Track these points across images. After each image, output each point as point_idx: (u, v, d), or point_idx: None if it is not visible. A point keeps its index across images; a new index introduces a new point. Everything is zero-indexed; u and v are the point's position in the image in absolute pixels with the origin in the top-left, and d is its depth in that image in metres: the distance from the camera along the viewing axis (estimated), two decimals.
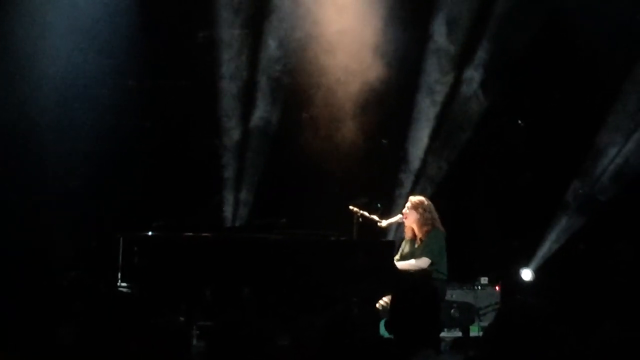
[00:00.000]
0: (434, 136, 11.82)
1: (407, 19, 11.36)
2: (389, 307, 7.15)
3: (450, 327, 9.87)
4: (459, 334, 9.85)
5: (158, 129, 11.36)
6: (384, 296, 8.47)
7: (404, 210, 9.04)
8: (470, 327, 9.65)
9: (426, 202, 8.99)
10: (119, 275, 8.44)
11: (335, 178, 11.32)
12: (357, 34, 11.25)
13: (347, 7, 11.27)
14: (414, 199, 9.08)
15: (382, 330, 7.26)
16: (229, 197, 11.48)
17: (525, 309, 3.61)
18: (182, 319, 8.34)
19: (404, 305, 4.12)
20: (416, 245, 8.93)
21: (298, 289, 8.62)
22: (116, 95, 11.16)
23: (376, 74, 11.26)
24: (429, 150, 11.82)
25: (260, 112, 11.53)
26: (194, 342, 8.37)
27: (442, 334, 9.92)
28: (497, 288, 10.90)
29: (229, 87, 11.43)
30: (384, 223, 9.10)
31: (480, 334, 9.85)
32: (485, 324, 9.88)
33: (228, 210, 11.47)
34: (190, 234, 8.67)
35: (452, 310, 9.21)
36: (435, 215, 8.96)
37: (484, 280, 10.93)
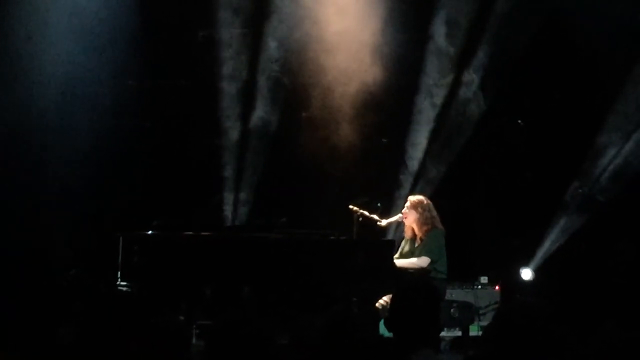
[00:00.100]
0: (434, 136, 11.83)
1: (407, 20, 11.37)
2: (388, 306, 7.16)
3: (450, 327, 9.88)
4: (459, 333, 9.86)
5: (158, 128, 11.37)
6: (384, 295, 8.47)
7: (403, 210, 9.04)
8: (470, 327, 9.65)
9: (425, 202, 8.98)
10: (119, 274, 8.44)
11: (335, 177, 11.33)
12: (357, 35, 11.26)
13: (347, 8, 11.27)
14: (413, 198, 9.08)
15: (382, 329, 7.28)
16: (228, 197, 11.49)
17: (524, 309, 3.61)
18: (181, 318, 8.34)
19: (404, 304, 4.12)
20: (416, 245, 8.93)
21: (298, 288, 8.62)
22: (116, 95, 11.16)
23: (376, 74, 11.27)
24: (428, 150, 11.83)
25: (260, 111, 11.54)
26: (194, 341, 8.38)
27: (442, 334, 9.94)
28: (497, 287, 10.91)
29: (229, 87, 11.44)
30: (383, 222, 9.09)
31: (480, 333, 9.85)
32: (485, 323, 9.89)
33: (228, 210, 11.48)
34: (190, 233, 8.67)
35: (452, 310, 9.22)
36: (435, 214, 8.95)
37: (484, 279, 10.94)
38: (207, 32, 11.39)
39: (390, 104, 11.52)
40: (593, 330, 3.69)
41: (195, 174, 11.24)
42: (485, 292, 10.82)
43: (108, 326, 4.22)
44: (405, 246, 9.05)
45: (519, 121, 11.95)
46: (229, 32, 11.36)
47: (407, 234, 9.05)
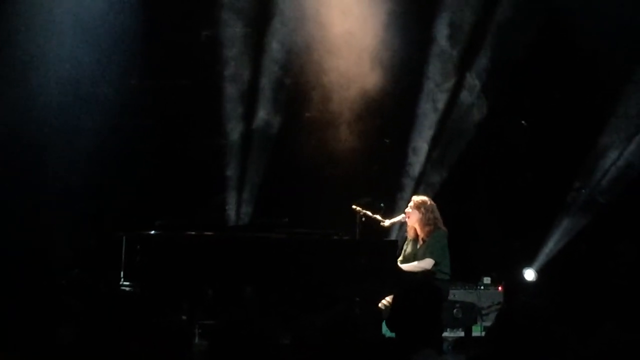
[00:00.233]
0: (437, 136, 11.82)
1: (410, 22, 11.36)
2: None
3: (452, 327, 9.86)
4: (462, 334, 9.84)
5: (161, 128, 11.37)
6: (387, 296, 8.46)
7: (406, 210, 9.03)
8: (473, 327, 9.63)
9: (429, 203, 8.97)
10: (122, 274, 8.44)
11: (337, 178, 11.32)
12: (360, 37, 11.26)
13: (350, 10, 11.27)
14: (417, 198, 9.07)
15: (385, 330, 7.27)
16: (231, 197, 11.49)
17: (526, 310, 3.60)
18: (184, 317, 8.35)
19: (405, 304, 4.12)
20: (418, 246, 8.92)
21: (300, 288, 8.62)
22: (119, 94, 11.16)
23: (378, 76, 11.27)
24: (431, 151, 11.82)
25: (263, 112, 11.54)
26: (196, 340, 8.39)
27: (445, 334, 9.93)
28: (499, 288, 10.89)
29: (232, 87, 11.44)
30: (386, 223, 9.09)
31: (483, 334, 9.83)
32: (487, 324, 9.87)
33: (230, 210, 11.48)
34: (193, 233, 8.67)
35: (455, 310, 9.19)
36: (438, 215, 8.94)
37: (487, 280, 10.92)
38: (210, 32, 11.39)
39: (392, 106, 11.52)
40: (594, 331, 3.68)
41: (197, 174, 11.24)
42: (488, 292, 10.80)
43: (109, 326, 4.21)
44: (407, 247, 9.04)
45: (523, 122, 11.94)
46: (232, 33, 11.36)
47: (410, 234, 9.04)
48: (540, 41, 11.39)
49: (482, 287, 10.85)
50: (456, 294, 10.26)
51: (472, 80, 11.73)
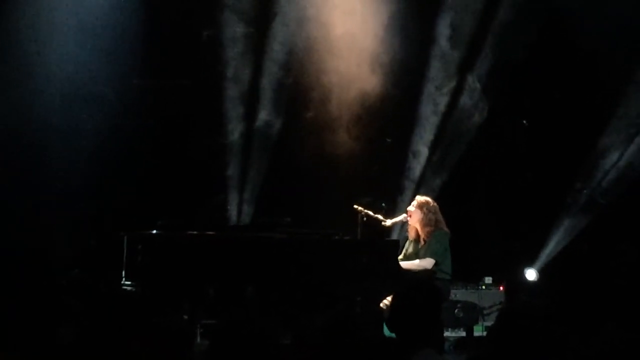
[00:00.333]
0: (438, 137, 11.82)
1: (411, 23, 11.36)
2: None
3: (454, 327, 9.87)
4: (463, 333, 9.85)
5: (162, 128, 11.37)
6: (388, 296, 8.46)
7: (408, 208, 9.02)
8: (474, 327, 9.64)
9: (432, 203, 8.97)
10: (123, 273, 8.44)
11: (338, 178, 11.32)
12: (361, 38, 11.26)
13: (351, 10, 11.28)
14: (420, 198, 9.07)
15: (386, 330, 7.27)
16: (232, 196, 11.49)
17: (526, 310, 3.60)
18: (185, 317, 8.35)
19: (404, 304, 4.12)
20: (419, 246, 8.92)
21: (301, 288, 8.61)
22: (120, 94, 11.16)
23: (379, 77, 11.27)
24: (432, 151, 11.82)
25: (264, 112, 11.54)
26: (197, 340, 8.39)
27: (446, 334, 9.94)
28: (501, 288, 10.90)
29: (233, 87, 11.44)
30: (388, 222, 9.08)
31: (484, 333, 9.84)
32: (489, 323, 9.88)
33: (232, 209, 11.48)
34: (194, 232, 8.67)
35: (456, 310, 9.21)
36: (440, 217, 8.94)
37: (488, 280, 10.93)
38: (211, 32, 11.39)
39: (393, 106, 11.51)
40: (595, 331, 3.68)
41: (198, 174, 11.24)
42: (489, 292, 10.81)
43: (110, 326, 4.21)
44: (409, 247, 9.04)
45: (524, 121, 11.94)
46: (233, 33, 11.36)
47: (411, 234, 9.04)
48: (540, 42, 11.39)
49: (483, 287, 10.86)
50: (457, 294, 10.28)
51: (473, 83, 11.73)
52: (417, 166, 11.79)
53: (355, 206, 9.01)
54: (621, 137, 11.50)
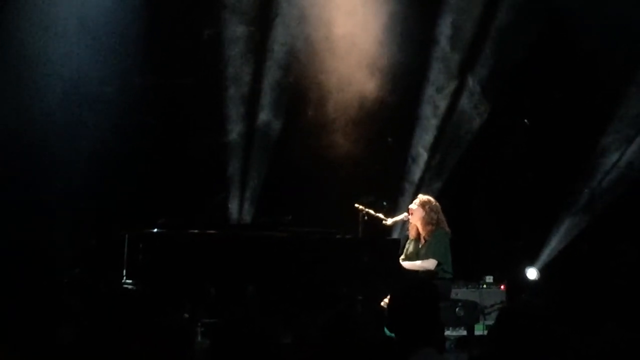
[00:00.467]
0: (439, 135, 11.82)
1: (412, 23, 11.36)
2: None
3: (455, 326, 9.86)
4: (464, 332, 9.84)
5: (163, 126, 11.37)
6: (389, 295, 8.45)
7: (410, 206, 9.02)
8: (475, 326, 9.63)
9: (434, 203, 8.97)
10: (124, 272, 8.44)
11: (340, 177, 11.32)
12: (362, 39, 11.26)
13: (352, 11, 11.28)
14: (423, 197, 9.07)
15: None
16: (233, 195, 11.49)
17: (526, 309, 3.60)
18: (186, 316, 8.35)
19: (402, 304, 4.12)
20: (420, 245, 8.92)
21: (302, 286, 8.61)
22: (121, 93, 11.16)
23: (380, 77, 11.27)
24: (434, 150, 11.82)
25: (266, 110, 11.54)
26: (198, 339, 8.39)
27: (447, 333, 9.93)
28: (502, 287, 10.89)
29: (234, 85, 11.44)
30: (389, 221, 9.08)
31: (485, 332, 9.83)
32: (490, 322, 9.87)
33: (233, 208, 11.48)
34: (195, 231, 8.67)
35: (457, 309, 9.18)
36: (442, 217, 8.94)
37: (489, 279, 10.93)
38: (213, 31, 11.39)
39: (394, 106, 11.51)
40: (596, 330, 3.68)
41: (200, 172, 11.24)
42: (490, 291, 10.80)
43: (111, 325, 4.21)
44: (409, 246, 9.04)
45: (525, 120, 11.93)
46: (235, 31, 11.36)
47: (411, 233, 9.04)
48: (541, 42, 11.38)
49: (484, 286, 10.85)
50: (459, 293, 10.27)
51: (474, 84, 11.74)
52: (418, 166, 11.79)
53: (356, 205, 9.01)
54: (621, 137, 11.50)
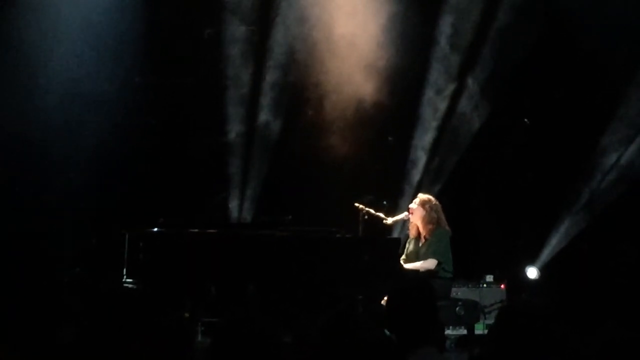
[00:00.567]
0: (440, 134, 11.82)
1: (412, 24, 11.36)
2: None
3: (455, 325, 9.85)
4: (464, 332, 9.84)
5: (163, 126, 11.37)
6: None
7: (410, 205, 9.02)
8: (476, 325, 9.63)
9: (434, 202, 8.98)
10: (124, 271, 8.45)
11: (340, 176, 11.32)
12: (362, 39, 11.26)
13: (353, 12, 11.28)
14: (423, 196, 9.07)
15: None
16: (234, 194, 11.49)
17: (526, 308, 3.60)
18: (186, 315, 8.35)
19: (398, 303, 4.13)
20: (420, 244, 8.92)
21: (303, 286, 8.62)
22: (122, 92, 11.16)
23: (380, 77, 11.27)
24: (434, 148, 11.82)
25: (266, 110, 11.54)
26: (199, 338, 8.39)
27: (448, 332, 9.93)
28: (502, 286, 10.90)
29: (235, 85, 11.44)
30: (389, 220, 9.08)
31: (486, 332, 9.83)
32: (490, 322, 9.87)
33: (233, 207, 11.48)
34: (196, 230, 8.67)
35: (457, 308, 9.17)
36: (442, 216, 8.94)
37: (490, 278, 10.93)
38: (213, 30, 11.39)
39: (395, 105, 11.51)
40: (596, 329, 3.68)
41: (200, 172, 11.25)
42: (490, 290, 10.80)
43: (111, 324, 4.21)
44: (410, 246, 9.04)
45: (525, 120, 11.94)
46: (235, 30, 11.36)
47: (412, 233, 9.04)
48: (541, 42, 11.38)
49: (484, 285, 10.85)
50: (459, 292, 10.27)
51: (474, 85, 11.74)
52: (418, 165, 11.78)
53: (357, 204, 9.02)
54: (622, 136, 11.50)
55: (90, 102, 11.01)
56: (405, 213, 9.07)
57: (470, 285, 10.74)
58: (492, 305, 10.49)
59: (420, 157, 11.82)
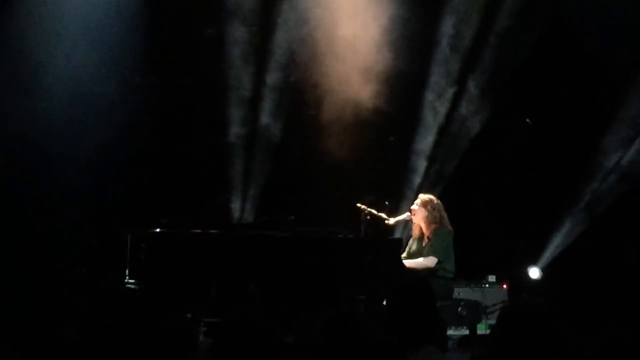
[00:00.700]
0: (442, 134, 11.81)
1: (414, 26, 11.36)
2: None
3: (457, 325, 9.85)
4: (466, 332, 9.83)
5: (165, 126, 11.37)
6: None
7: (412, 207, 9.02)
8: (478, 325, 9.63)
9: (435, 201, 8.98)
10: (127, 272, 8.45)
11: (342, 176, 11.31)
12: (364, 40, 11.26)
13: (355, 14, 11.28)
14: (424, 196, 9.07)
15: None
16: (236, 195, 11.49)
17: (527, 308, 3.60)
18: (188, 315, 8.35)
19: (397, 303, 4.13)
20: (423, 244, 8.92)
21: (305, 286, 8.61)
22: (123, 92, 11.17)
23: (382, 78, 11.28)
24: (436, 149, 11.81)
25: (268, 110, 11.54)
26: (201, 338, 8.39)
27: (450, 332, 9.92)
28: (504, 286, 10.89)
29: (236, 85, 11.44)
30: (391, 221, 9.08)
31: (488, 332, 9.83)
32: (492, 322, 9.86)
33: (235, 208, 11.48)
34: (198, 231, 8.67)
35: (459, 308, 9.17)
36: (444, 214, 8.94)
37: (492, 278, 10.94)
38: (214, 31, 11.39)
39: (397, 106, 11.51)
40: (596, 330, 3.68)
41: (202, 172, 11.25)
42: (492, 290, 10.80)
43: (113, 324, 4.22)
44: (412, 245, 9.04)
45: (527, 120, 11.94)
46: (236, 31, 11.36)
47: (415, 233, 9.04)
48: (542, 43, 11.38)
49: (487, 285, 10.85)
50: (461, 292, 10.26)
51: (475, 87, 11.75)
52: (420, 165, 11.78)
53: (359, 204, 9.02)
54: (623, 137, 11.49)
55: (92, 102, 11.02)
56: (407, 213, 9.07)
57: (472, 286, 10.73)
58: (494, 305, 10.49)
59: (422, 157, 11.82)
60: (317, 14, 11.27)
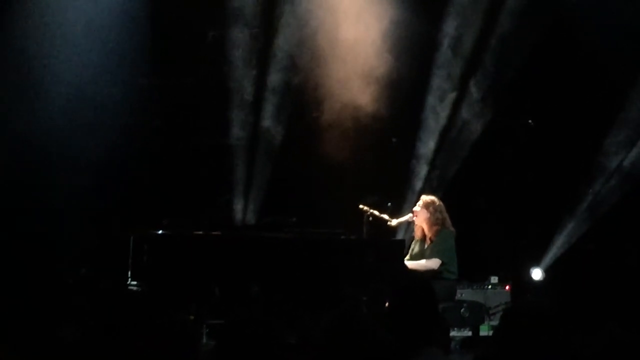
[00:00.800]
0: (444, 137, 11.82)
1: (416, 28, 11.37)
2: None
3: (460, 327, 9.85)
4: (469, 333, 9.83)
5: (168, 127, 11.38)
6: None
7: (414, 208, 9.03)
8: (480, 327, 9.63)
9: (437, 202, 8.98)
10: (129, 273, 8.45)
11: (345, 177, 11.32)
12: (366, 43, 11.27)
13: (357, 17, 11.29)
14: (426, 197, 9.08)
15: None
16: (238, 196, 11.49)
17: (530, 309, 3.60)
18: (191, 317, 8.36)
19: (398, 305, 4.13)
20: (426, 246, 8.92)
21: (307, 287, 8.62)
22: (126, 93, 11.17)
23: (384, 79, 11.28)
24: (439, 149, 11.81)
25: (270, 111, 11.54)
26: (204, 340, 8.39)
27: (452, 333, 9.92)
28: (507, 287, 10.89)
29: (239, 87, 11.45)
30: (394, 222, 9.09)
31: (491, 333, 9.83)
32: (495, 323, 9.86)
33: (237, 209, 11.48)
34: (200, 232, 8.68)
35: (462, 310, 9.18)
36: (446, 215, 8.95)
37: (494, 279, 10.92)
38: (217, 32, 11.40)
39: (400, 102, 11.51)
40: (598, 330, 3.68)
41: (204, 173, 11.25)
42: (495, 292, 10.79)
43: (115, 326, 4.22)
44: (415, 247, 9.04)
45: (529, 121, 11.94)
46: (239, 33, 11.37)
47: (417, 234, 9.04)
48: (544, 45, 11.38)
49: (489, 287, 10.84)
50: (463, 294, 10.26)
51: (477, 89, 11.75)
52: (422, 166, 11.78)
53: (361, 206, 9.02)
54: (625, 139, 11.49)
55: (95, 104, 11.02)
56: (410, 215, 9.07)
57: (475, 287, 10.73)
58: (496, 306, 10.49)
59: (424, 160, 11.82)
60: (318, 17, 11.27)
